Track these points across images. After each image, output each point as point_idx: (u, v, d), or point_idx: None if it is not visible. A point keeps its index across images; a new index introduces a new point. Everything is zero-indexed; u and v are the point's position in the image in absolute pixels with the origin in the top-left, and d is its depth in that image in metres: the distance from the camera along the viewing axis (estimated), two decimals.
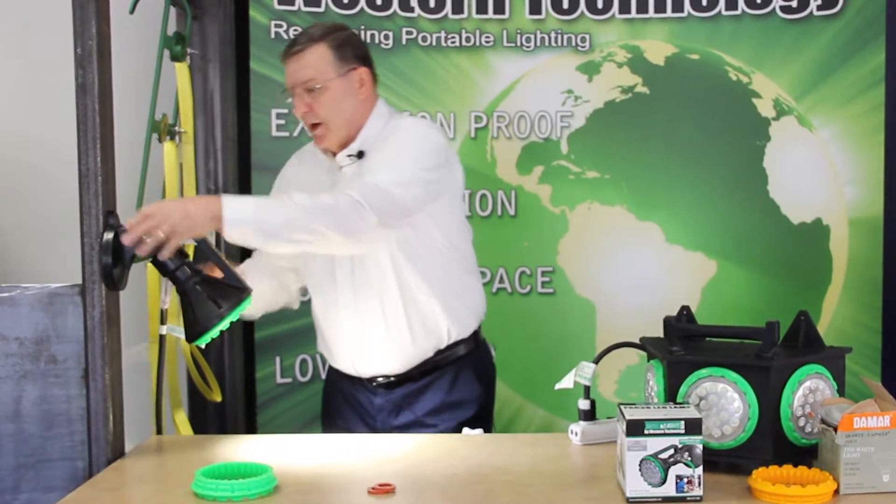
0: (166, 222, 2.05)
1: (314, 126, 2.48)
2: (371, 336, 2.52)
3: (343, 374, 2.64)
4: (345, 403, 2.65)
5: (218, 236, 2.70)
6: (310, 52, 2.44)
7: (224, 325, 2.14)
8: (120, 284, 2.14)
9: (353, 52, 2.49)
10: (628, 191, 3.45)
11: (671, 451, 1.75)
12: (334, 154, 2.52)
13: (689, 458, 1.75)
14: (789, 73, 3.43)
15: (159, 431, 2.38)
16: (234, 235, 2.15)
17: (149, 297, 2.55)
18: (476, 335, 2.62)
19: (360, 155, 2.46)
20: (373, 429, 2.59)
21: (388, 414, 2.58)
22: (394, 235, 2.42)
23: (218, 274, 2.17)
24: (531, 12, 3.42)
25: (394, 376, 2.56)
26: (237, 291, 2.16)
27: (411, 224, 2.43)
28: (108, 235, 2.08)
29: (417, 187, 2.37)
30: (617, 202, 3.46)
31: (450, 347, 2.56)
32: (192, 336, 2.15)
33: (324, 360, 3.27)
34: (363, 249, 2.40)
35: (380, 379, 2.57)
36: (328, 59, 2.45)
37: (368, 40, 3.33)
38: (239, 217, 2.12)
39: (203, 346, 2.20)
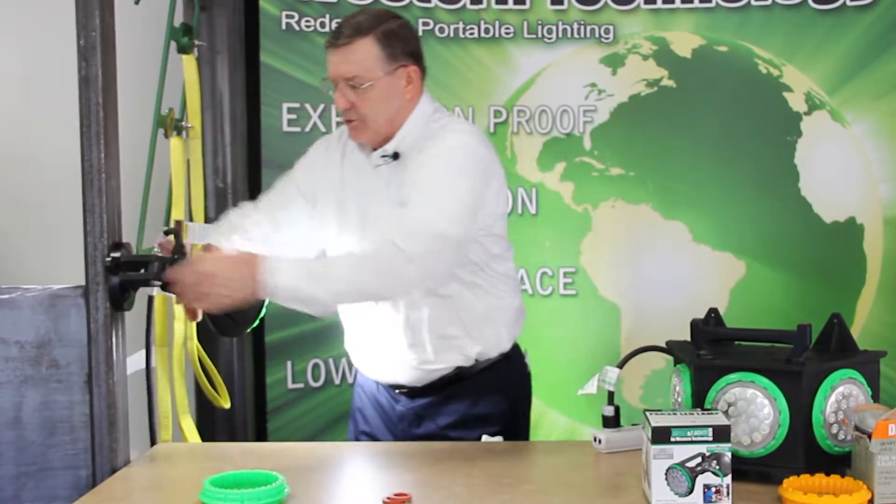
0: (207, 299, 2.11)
1: (351, 119, 2.38)
2: (393, 352, 2.44)
3: (368, 376, 2.59)
4: (370, 406, 2.60)
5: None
6: (357, 46, 2.31)
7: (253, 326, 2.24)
8: (127, 306, 2.14)
9: (402, 47, 2.36)
10: (654, 188, 3.40)
11: (699, 460, 1.73)
12: (373, 148, 2.41)
13: (718, 467, 1.73)
14: (822, 65, 3.36)
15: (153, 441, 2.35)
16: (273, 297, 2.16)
17: (155, 298, 2.50)
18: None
19: (396, 156, 2.36)
20: (395, 435, 2.53)
21: (409, 423, 2.51)
22: None
23: None
24: (553, 2, 3.36)
25: (414, 387, 2.49)
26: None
27: None
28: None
29: (466, 217, 2.27)
30: (642, 200, 3.41)
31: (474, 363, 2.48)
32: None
33: (336, 365, 3.24)
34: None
35: (402, 387, 2.51)
36: (375, 56, 2.32)
37: None
38: (284, 289, 2.12)
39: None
